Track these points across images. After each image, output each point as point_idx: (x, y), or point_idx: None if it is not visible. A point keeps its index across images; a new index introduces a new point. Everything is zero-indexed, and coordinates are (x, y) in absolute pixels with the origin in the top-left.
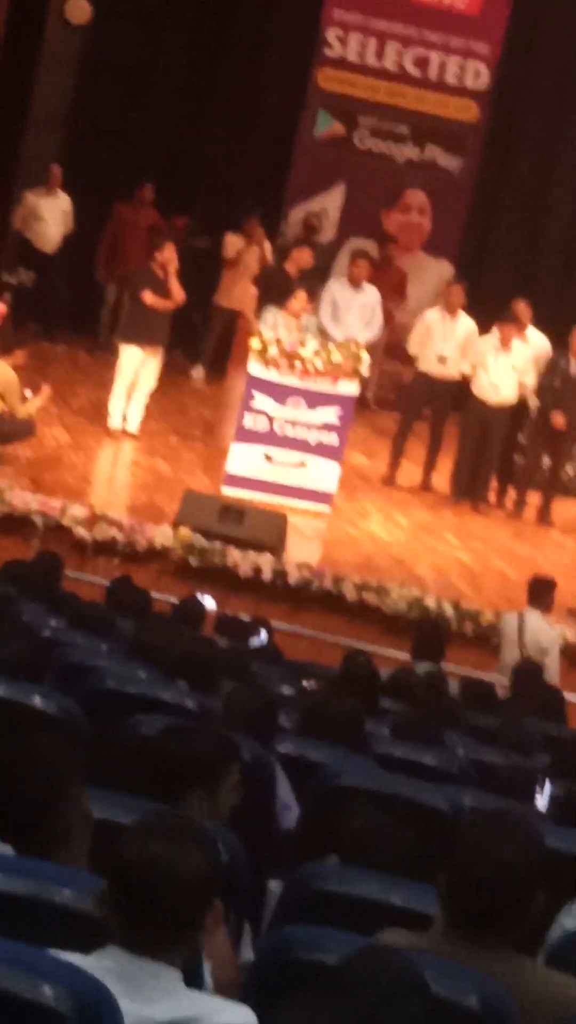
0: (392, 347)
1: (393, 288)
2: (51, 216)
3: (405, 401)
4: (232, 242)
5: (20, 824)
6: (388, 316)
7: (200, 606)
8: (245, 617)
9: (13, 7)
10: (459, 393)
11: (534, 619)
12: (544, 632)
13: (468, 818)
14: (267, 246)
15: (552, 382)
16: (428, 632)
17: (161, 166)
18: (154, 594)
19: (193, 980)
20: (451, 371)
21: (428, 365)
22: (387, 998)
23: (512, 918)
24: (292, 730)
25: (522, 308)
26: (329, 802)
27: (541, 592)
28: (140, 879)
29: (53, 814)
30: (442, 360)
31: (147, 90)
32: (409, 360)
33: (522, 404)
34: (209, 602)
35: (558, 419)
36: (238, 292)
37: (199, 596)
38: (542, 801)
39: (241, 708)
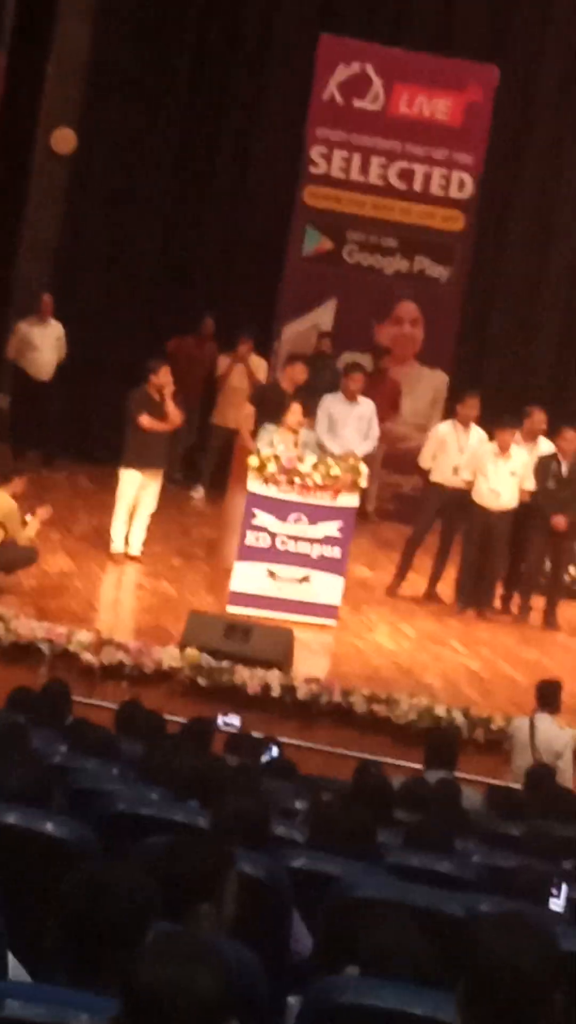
0: (389, 458)
1: (388, 400)
2: (44, 344)
3: (419, 512)
4: (222, 362)
5: (91, 955)
6: (384, 428)
7: (209, 725)
8: (256, 734)
9: None
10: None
11: (545, 723)
12: (556, 735)
13: (481, 923)
14: (255, 362)
15: (547, 484)
16: (439, 741)
17: (151, 290)
18: (165, 715)
19: None
20: (465, 482)
21: (442, 476)
22: None
23: (531, 1022)
24: (304, 844)
25: (538, 417)
26: (345, 914)
27: (549, 695)
28: (155, 1002)
29: (128, 948)
30: (457, 471)
31: (134, 215)
32: (408, 470)
33: (524, 509)
34: (235, 720)
35: (558, 521)
36: (232, 411)
37: (225, 716)
38: (558, 904)
39: (234, 817)
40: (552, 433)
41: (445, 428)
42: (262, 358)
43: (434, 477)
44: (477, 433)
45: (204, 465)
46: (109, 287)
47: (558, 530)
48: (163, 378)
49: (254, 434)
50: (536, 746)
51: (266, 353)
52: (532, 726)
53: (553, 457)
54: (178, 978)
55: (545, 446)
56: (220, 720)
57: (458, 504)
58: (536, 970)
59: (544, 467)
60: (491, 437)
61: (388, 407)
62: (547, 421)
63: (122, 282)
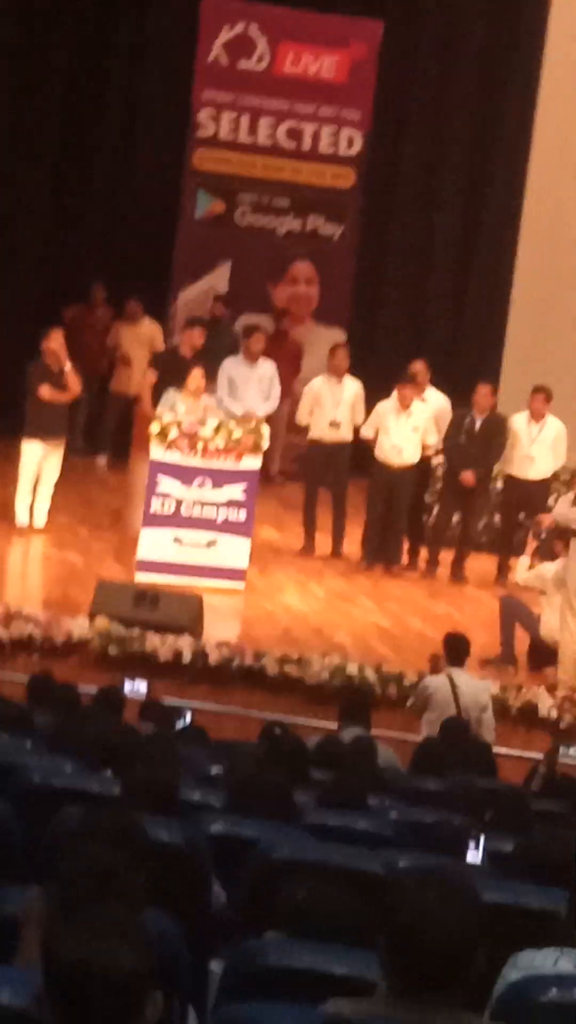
0: (293, 419)
1: (290, 360)
2: None
3: (305, 471)
4: (116, 329)
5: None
6: (287, 388)
7: (120, 693)
8: (169, 700)
9: None
10: (355, 456)
11: (464, 678)
12: (479, 688)
13: (401, 880)
14: (148, 325)
15: (458, 439)
16: (352, 698)
17: (43, 259)
18: (77, 686)
19: None
20: (344, 435)
21: (320, 432)
22: None
23: (455, 976)
24: (221, 809)
25: (420, 368)
26: (266, 877)
27: (460, 649)
28: (75, 980)
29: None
30: (335, 425)
31: (20, 191)
32: (307, 431)
33: (426, 464)
34: (141, 687)
35: (467, 476)
36: (130, 377)
37: (131, 682)
38: (476, 856)
39: (143, 785)
40: (455, 387)
41: (318, 382)
42: (155, 321)
43: (312, 433)
44: (351, 384)
45: (105, 433)
46: None
47: (467, 485)
48: (54, 343)
49: (155, 400)
50: (460, 702)
51: (162, 319)
52: (452, 682)
53: (467, 412)
54: (98, 953)
55: (433, 397)
56: (127, 686)
57: (341, 459)
58: (458, 924)
59: (457, 422)
60: (391, 394)
61: (290, 368)
62: (428, 372)
63: (12, 251)
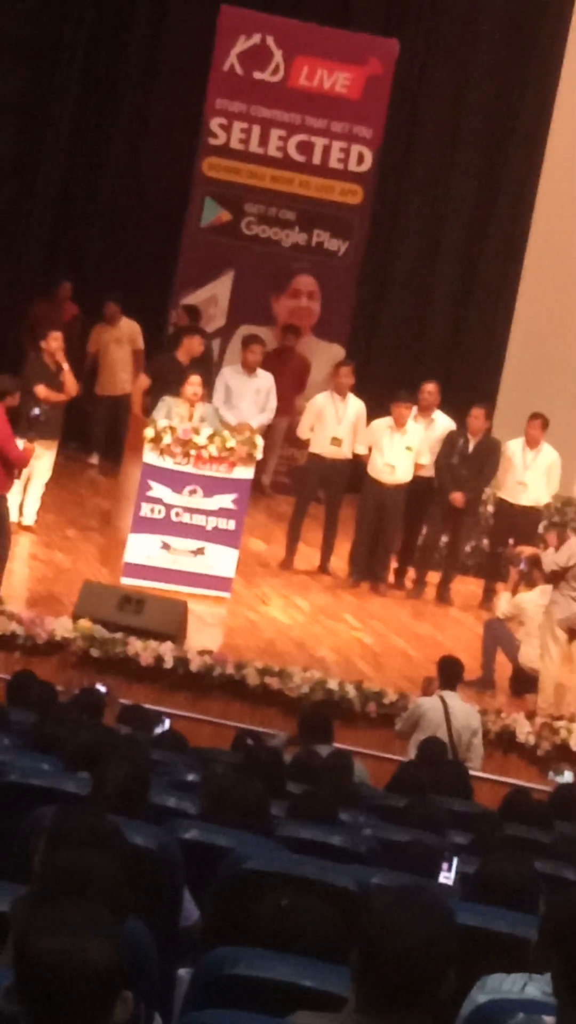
0: (291, 432)
1: (296, 376)
2: None
3: (299, 484)
4: (97, 332)
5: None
6: (290, 403)
7: (100, 695)
8: (149, 706)
9: None
10: (353, 474)
11: (456, 701)
12: (470, 713)
13: (377, 896)
14: (127, 324)
15: (451, 460)
16: (313, 717)
17: (47, 257)
18: (57, 686)
19: None
20: (344, 452)
21: (321, 447)
22: None
23: (424, 995)
24: (196, 816)
25: (430, 390)
26: (237, 887)
27: (454, 673)
28: (46, 974)
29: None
30: (335, 442)
31: (31, 185)
32: (304, 444)
33: (426, 484)
34: (100, 689)
35: (457, 497)
36: (115, 378)
37: (95, 683)
38: (447, 877)
39: (113, 785)
40: (461, 411)
41: (322, 398)
42: (133, 320)
43: (313, 448)
44: (355, 403)
45: (96, 435)
46: (2, 257)
47: (456, 506)
48: (53, 343)
49: (148, 404)
50: (452, 725)
51: (162, 324)
52: (445, 705)
53: (460, 433)
54: (70, 950)
55: (441, 420)
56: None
57: (339, 475)
58: (430, 943)
59: (450, 443)
60: (387, 411)
61: (295, 383)
62: (439, 395)
63: (19, 252)
